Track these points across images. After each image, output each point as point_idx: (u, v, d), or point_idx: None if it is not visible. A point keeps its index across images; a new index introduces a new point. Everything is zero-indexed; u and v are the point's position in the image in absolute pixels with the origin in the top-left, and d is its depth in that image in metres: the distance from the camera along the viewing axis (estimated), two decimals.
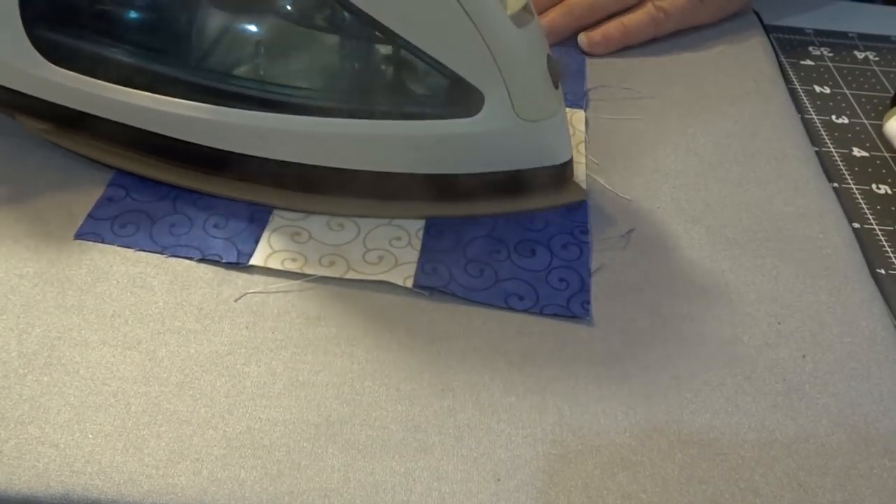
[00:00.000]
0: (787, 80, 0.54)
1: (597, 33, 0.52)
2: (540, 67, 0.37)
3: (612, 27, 0.52)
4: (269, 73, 0.39)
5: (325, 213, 0.39)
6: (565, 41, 0.53)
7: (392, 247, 0.38)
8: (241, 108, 0.37)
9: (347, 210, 0.39)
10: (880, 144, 0.50)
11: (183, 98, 0.37)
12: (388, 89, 0.38)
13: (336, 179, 0.38)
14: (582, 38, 0.53)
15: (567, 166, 0.40)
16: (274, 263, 0.37)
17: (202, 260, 0.37)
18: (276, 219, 0.39)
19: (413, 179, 0.38)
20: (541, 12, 0.53)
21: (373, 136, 0.37)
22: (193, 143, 0.38)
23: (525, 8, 0.37)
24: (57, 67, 0.38)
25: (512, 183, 0.39)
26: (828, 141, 0.50)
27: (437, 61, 0.36)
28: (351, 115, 0.37)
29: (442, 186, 0.39)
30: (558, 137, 0.39)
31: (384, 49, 0.38)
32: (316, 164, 0.38)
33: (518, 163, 0.39)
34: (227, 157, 0.38)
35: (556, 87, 0.38)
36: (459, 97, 0.37)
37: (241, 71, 0.39)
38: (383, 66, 0.38)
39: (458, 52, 0.36)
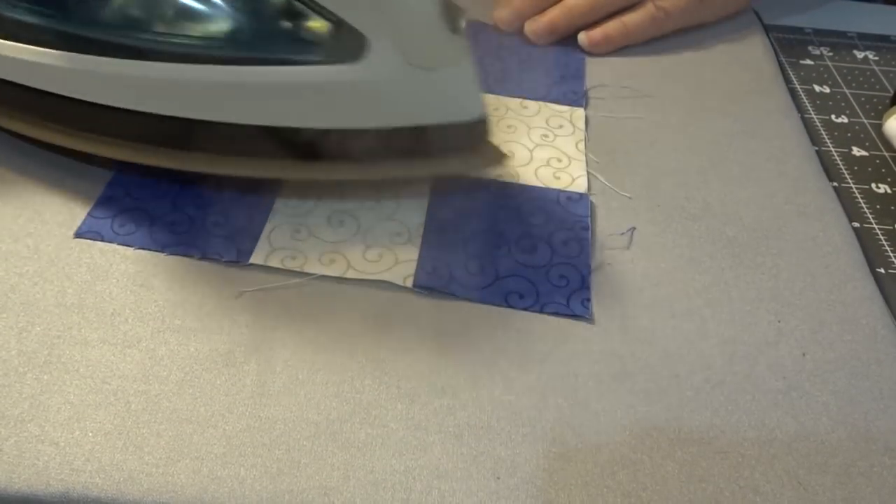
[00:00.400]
0: (787, 80, 0.54)
1: (597, 32, 0.52)
2: (431, 7, 0.33)
3: (612, 26, 0.52)
4: (125, 17, 0.35)
5: (197, 170, 0.36)
6: (566, 40, 0.53)
7: (392, 243, 0.38)
8: (98, 56, 0.34)
9: (222, 168, 0.36)
10: (880, 144, 0.50)
11: (38, 45, 0.34)
12: (258, 31, 0.35)
13: (207, 134, 0.35)
14: (582, 38, 0.53)
15: (479, 126, 0.36)
16: (274, 262, 0.37)
17: (202, 258, 0.37)
18: (277, 216, 0.39)
19: (297, 134, 0.35)
20: (541, 11, 0.53)
21: (244, 84, 0.34)
22: (50, 93, 0.35)
23: None
24: None
25: (410, 142, 0.35)
26: (827, 140, 0.50)
27: (313, 0, 0.32)
28: (218, 60, 0.34)
29: (332, 144, 0.35)
30: (462, 90, 0.35)
31: None
32: (184, 116, 0.35)
33: (413, 117, 0.35)
34: (84, 109, 0.35)
35: (457, 33, 0.34)
36: (340, 41, 0.33)
37: (99, 16, 0.35)
38: (253, 5, 0.35)
39: None
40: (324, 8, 0.32)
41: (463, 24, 0.34)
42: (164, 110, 0.35)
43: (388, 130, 0.35)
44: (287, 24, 0.34)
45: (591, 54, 0.53)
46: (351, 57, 0.33)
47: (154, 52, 0.34)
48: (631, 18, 0.53)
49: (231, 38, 0.35)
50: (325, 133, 0.35)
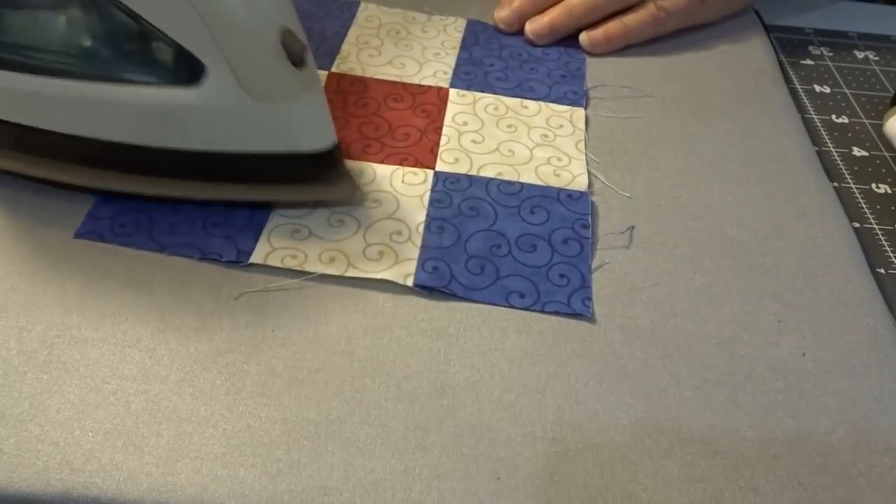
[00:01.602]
0: (788, 80, 0.54)
1: (598, 33, 0.52)
2: (268, 41, 0.33)
3: (612, 26, 0.53)
4: None
5: (46, 179, 0.37)
6: (566, 40, 0.53)
7: (392, 241, 0.38)
8: None
9: (70, 178, 0.37)
10: (880, 144, 0.50)
11: None
12: (106, 50, 0.36)
13: (58, 144, 0.36)
14: (583, 38, 0.53)
15: (325, 158, 0.37)
16: (274, 261, 0.37)
17: (202, 258, 0.37)
18: (276, 216, 0.39)
19: (143, 152, 0.36)
20: (541, 11, 0.53)
21: (89, 99, 0.35)
22: None
23: None
24: None
25: (252, 167, 0.37)
26: (828, 140, 0.50)
27: (151, 24, 0.33)
28: (65, 75, 0.35)
29: (174, 162, 0.36)
30: (304, 121, 0.36)
31: (103, 9, 0.35)
32: (31, 125, 0.36)
33: (251, 144, 0.36)
34: None
35: (299, 67, 0.34)
36: (181, 65, 0.34)
37: None
38: (103, 25, 0.35)
39: (170, 14, 0.33)
40: (163, 33, 0.33)
41: (308, 58, 0.35)
42: (13, 118, 0.36)
43: (227, 155, 0.36)
44: (133, 46, 0.35)
45: (591, 54, 0.53)
46: (189, 81, 0.34)
47: (12, 64, 0.35)
48: (631, 18, 0.53)
49: (78, 54, 0.36)
50: (168, 152, 0.36)
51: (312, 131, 0.36)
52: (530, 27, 0.53)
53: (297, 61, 0.34)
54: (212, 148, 0.36)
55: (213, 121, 0.35)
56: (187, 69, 0.34)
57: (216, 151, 0.36)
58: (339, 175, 0.39)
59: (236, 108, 0.35)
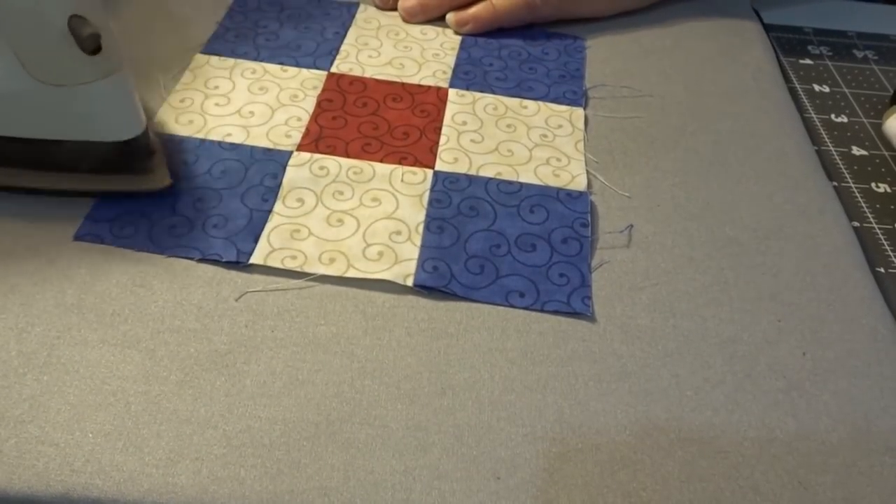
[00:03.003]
0: (787, 79, 0.54)
1: (467, 14, 0.52)
2: (53, 25, 0.33)
3: (481, 8, 0.52)
4: None
5: None
6: (567, 39, 0.53)
7: (392, 241, 0.38)
8: None
9: None
10: (879, 143, 0.50)
11: None
12: None
13: None
14: (450, 17, 0.53)
15: (131, 146, 0.36)
16: (274, 262, 0.36)
17: (202, 260, 0.36)
18: (276, 217, 0.39)
19: None
20: None
21: None
22: None
23: None
24: None
25: (52, 156, 0.36)
26: (827, 140, 0.50)
27: None
28: None
29: None
30: (102, 110, 0.35)
31: None
32: None
33: (50, 131, 0.36)
34: None
35: (91, 52, 0.34)
36: None
37: None
38: None
39: None
40: None
41: (109, 45, 0.34)
42: None
43: (22, 141, 0.36)
44: None
45: (458, 34, 0.53)
46: None
47: None
48: (502, 1, 0.52)
49: None
50: None
51: (113, 119, 0.36)
52: (402, 5, 0.53)
53: (88, 48, 0.33)
54: (7, 133, 0.35)
55: (3, 105, 0.35)
56: None
57: (11, 137, 0.35)
58: (149, 165, 0.38)
59: (25, 93, 0.34)
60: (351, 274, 0.36)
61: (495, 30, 0.53)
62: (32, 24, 0.33)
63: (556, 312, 0.36)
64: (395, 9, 0.54)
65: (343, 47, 0.50)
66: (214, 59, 0.48)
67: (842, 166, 0.48)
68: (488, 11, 0.52)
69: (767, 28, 0.59)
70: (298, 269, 0.36)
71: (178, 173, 0.40)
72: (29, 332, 0.33)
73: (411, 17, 0.53)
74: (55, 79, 0.34)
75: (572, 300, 0.36)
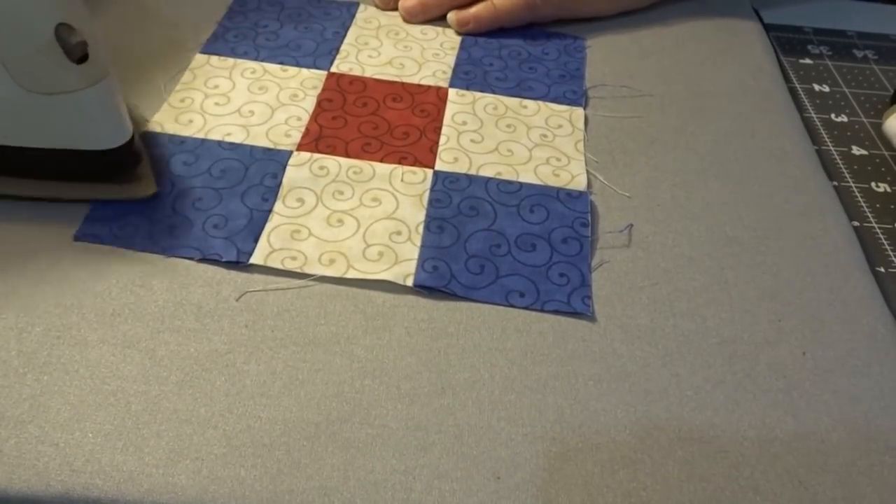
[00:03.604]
0: (787, 79, 0.54)
1: (468, 13, 0.52)
2: (40, 33, 0.33)
3: (482, 7, 0.52)
4: None
5: None
6: (568, 39, 0.53)
7: (392, 241, 0.38)
8: None
9: None
10: (879, 143, 0.50)
11: None
12: None
13: None
14: (451, 17, 0.53)
15: (117, 154, 0.36)
16: (274, 262, 0.36)
17: (202, 260, 0.36)
18: (276, 216, 0.39)
19: None
20: None
21: None
22: None
23: None
24: None
25: (34, 163, 0.36)
26: (827, 139, 0.50)
27: None
28: None
29: None
30: (87, 119, 0.35)
31: None
32: None
33: (31, 139, 0.36)
34: None
35: (78, 61, 0.33)
36: None
37: None
38: None
39: None
40: None
41: (96, 53, 0.34)
42: None
43: (6, 148, 0.36)
44: None
45: (459, 34, 0.53)
46: None
47: None
48: (503, 1, 0.52)
49: None
50: None
51: (98, 128, 0.36)
52: (403, 5, 0.53)
53: (75, 56, 0.33)
54: None
55: None
56: None
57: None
58: (136, 173, 0.38)
59: (10, 101, 0.34)
60: (351, 275, 0.36)
61: (496, 29, 0.53)
62: (19, 31, 0.33)
63: (555, 312, 0.36)
64: (395, 9, 0.54)
65: (343, 47, 0.50)
66: (214, 59, 0.48)
67: (842, 166, 0.48)
68: (489, 11, 0.52)
69: (767, 28, 0.59)
70: (298, 271, 0.36)
71: (174, 175, 0.40)
72: (29, 332, 0.33)
73: (412, 17, 0.53)
74: (41, 87, 0.34)
75: (572, 300, 0.36)
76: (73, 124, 0.36)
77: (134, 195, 0.38)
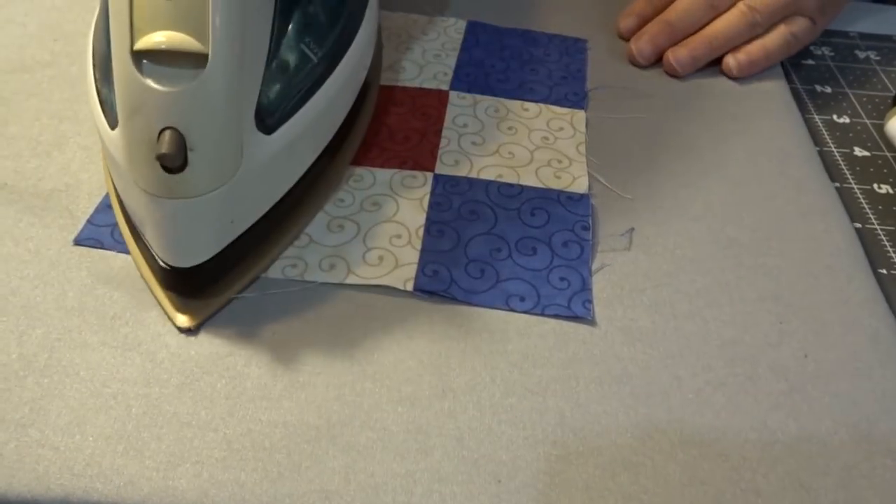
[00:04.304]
0: (789, 80, 0.54)
1: (742, 55, 0.52)
2: (145, 130, 0.31)
3: (754, 49, 0.52)
4: None
5: None
6: (566, 39, 0.53)
7: (392, 245, 0.38)
8: None
9: None
10: (882, 144, 0.50)
11: None
12: None
13: None
14: (730, 62, 0.52)
15: (188, 276, 0.34)
16: (274, 273, 0.36)
17: None
18: None
19: None
20: (677, 40, 0.52)
21: None
22: None
23: (159, 50, 0.30)
24: None
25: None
26: (829, 140, 0.50)
27: None
28: None
29: None
30: (169, 227, 0.33)
31: None
32: None
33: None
34: None
35: (171, 171, 0.31)
36: None
37: None
38: None
39: None
40: None
41: (193, 163, 0.31)
42: None
43: None
44: None
45: (736, 78, 0.52)
46: None
47: None
48: (772, 41, 0.52)
49: None
50: None
51: (171, 241, 0.33)
52: (673, 55, 0.52)
53: (168, 164, 0.31)
54: None
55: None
56: None
57: None
58: (194, 301, 0.34)
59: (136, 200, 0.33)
60: (351, 280, 0.36)
61: (497, 31, 0.53)
62: (125, 126, 0.31)
63: (556, 316, 0.36)
64: (660, 61, 0.53)
65: None
66: None
67: (844, 167, 0.47)
68: (761, 53, 0.52)
69: None
70: (299, 279, 0.36)
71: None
72: (29, 335, 0.33)
73: (683, 69, 0.52)
74: (141, 184, 0.32)
75: (573, 304, 0.36)
76: (160, 228, 0.33)
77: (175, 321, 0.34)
